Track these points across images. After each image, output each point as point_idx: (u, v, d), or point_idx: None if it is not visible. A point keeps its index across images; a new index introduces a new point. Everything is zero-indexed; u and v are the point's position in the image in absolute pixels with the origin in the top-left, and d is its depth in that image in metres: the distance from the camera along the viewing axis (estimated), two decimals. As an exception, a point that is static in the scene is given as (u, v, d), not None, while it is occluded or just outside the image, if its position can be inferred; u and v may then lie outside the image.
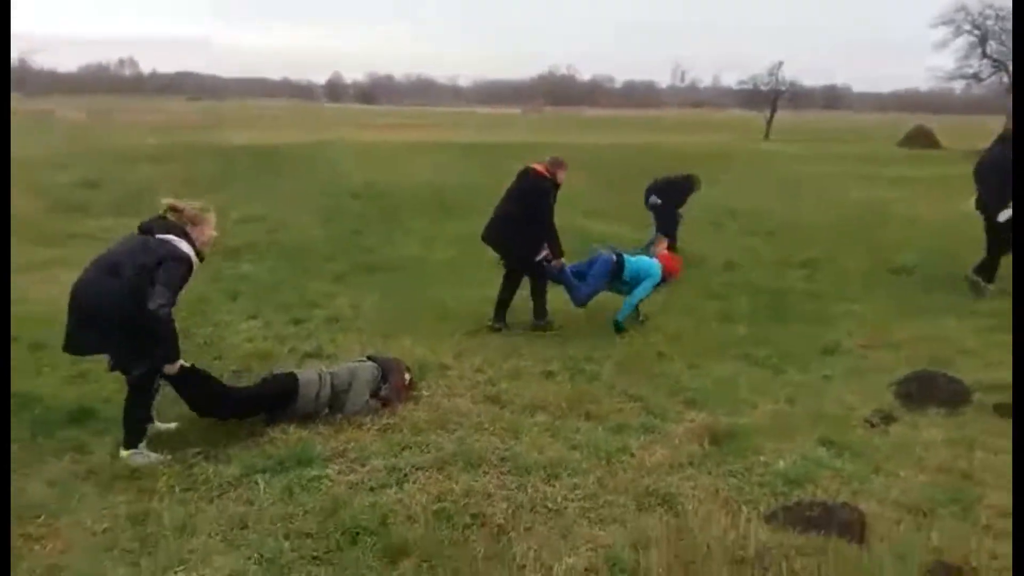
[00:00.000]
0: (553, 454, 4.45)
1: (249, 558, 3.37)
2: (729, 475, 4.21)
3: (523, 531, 3.61)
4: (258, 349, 6.44)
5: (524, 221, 7.23)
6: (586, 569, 3.29)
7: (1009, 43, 37.56)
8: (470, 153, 24.18)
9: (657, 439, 4.72)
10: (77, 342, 4.30)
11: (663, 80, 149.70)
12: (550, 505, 3.87)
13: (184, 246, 4.29)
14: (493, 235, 7.45)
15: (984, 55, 38.46)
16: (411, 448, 4.54)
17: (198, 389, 4.71)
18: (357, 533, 3.55)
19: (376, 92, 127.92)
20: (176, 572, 3.29)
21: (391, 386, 5.23)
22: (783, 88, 48.30)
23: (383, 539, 3.50)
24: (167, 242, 4.27)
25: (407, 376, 5.39)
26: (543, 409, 5.20)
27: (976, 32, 38.08)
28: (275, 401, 4.91)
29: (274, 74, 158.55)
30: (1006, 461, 4.26)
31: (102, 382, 5.33)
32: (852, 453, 4.53)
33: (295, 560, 3.37)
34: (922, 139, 40.17)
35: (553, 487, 4.05)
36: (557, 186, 7.31)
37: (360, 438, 4.68)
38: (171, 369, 4.44)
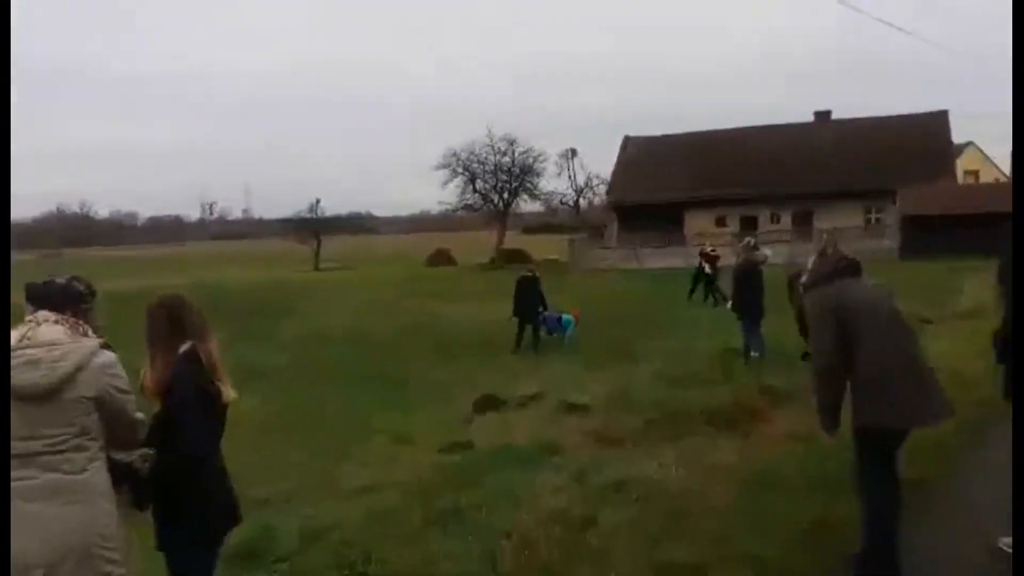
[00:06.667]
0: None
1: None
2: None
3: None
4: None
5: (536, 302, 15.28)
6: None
7: (492, 181, 48.85)
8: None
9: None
10: None
11: (192, 214, 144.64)
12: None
13: None
14: (518, 312, 15.09)
15: (475, 190, 49.16)
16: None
17: None
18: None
19: None
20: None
21: None
22: (324, 221, 54.08)
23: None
24: None
25: None
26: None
27: (466, 173, 48.56)
28: None
29: None
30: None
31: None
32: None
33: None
34: (442, 258, 49.44)
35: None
36: (539, 278, 15.65)
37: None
38: None
